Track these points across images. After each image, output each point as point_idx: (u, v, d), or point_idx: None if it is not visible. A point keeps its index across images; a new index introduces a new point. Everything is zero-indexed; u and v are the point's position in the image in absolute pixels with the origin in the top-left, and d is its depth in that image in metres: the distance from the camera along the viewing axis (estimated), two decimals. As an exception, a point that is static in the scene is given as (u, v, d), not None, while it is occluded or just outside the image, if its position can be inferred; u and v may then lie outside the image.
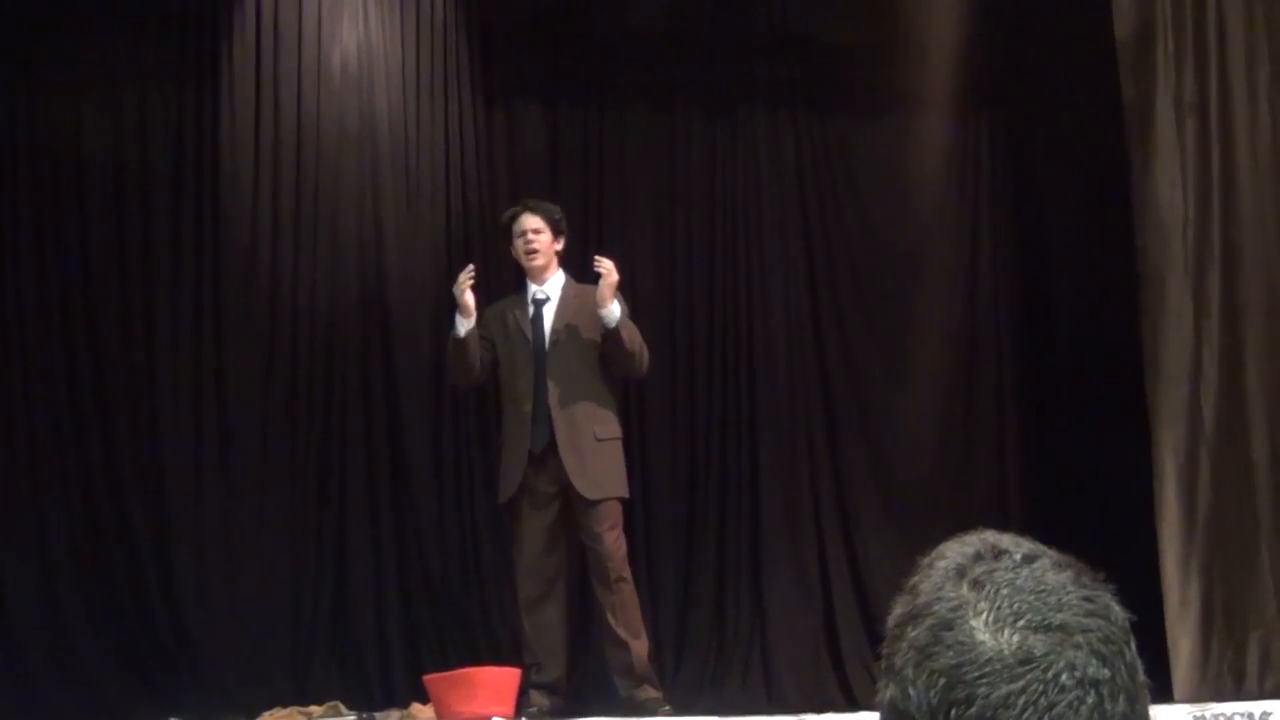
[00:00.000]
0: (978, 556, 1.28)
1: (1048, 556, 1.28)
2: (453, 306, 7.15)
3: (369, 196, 8.38)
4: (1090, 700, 1.20)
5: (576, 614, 7.49)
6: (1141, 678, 1.25)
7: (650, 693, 7.00)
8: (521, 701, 6.91)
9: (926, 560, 1.32)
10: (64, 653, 7.75)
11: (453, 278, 8.33)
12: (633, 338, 7.06)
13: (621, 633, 7.02)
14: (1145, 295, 7.72)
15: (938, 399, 8.84)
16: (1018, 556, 1.28)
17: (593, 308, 7.04)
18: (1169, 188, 7.63)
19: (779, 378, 8.70)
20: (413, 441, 8.27)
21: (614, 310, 7.00)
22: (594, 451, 7.04)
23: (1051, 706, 1.19)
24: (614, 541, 7.05)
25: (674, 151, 8.76)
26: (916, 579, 1.30)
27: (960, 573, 1.27)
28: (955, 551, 1.30)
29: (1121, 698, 1.21)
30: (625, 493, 7.19)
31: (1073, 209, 8.87)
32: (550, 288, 7.21)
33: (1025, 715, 1.19)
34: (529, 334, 7.14)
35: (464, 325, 7.08)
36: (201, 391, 8.12)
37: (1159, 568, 7.47)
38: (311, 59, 8.37)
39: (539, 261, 7.19)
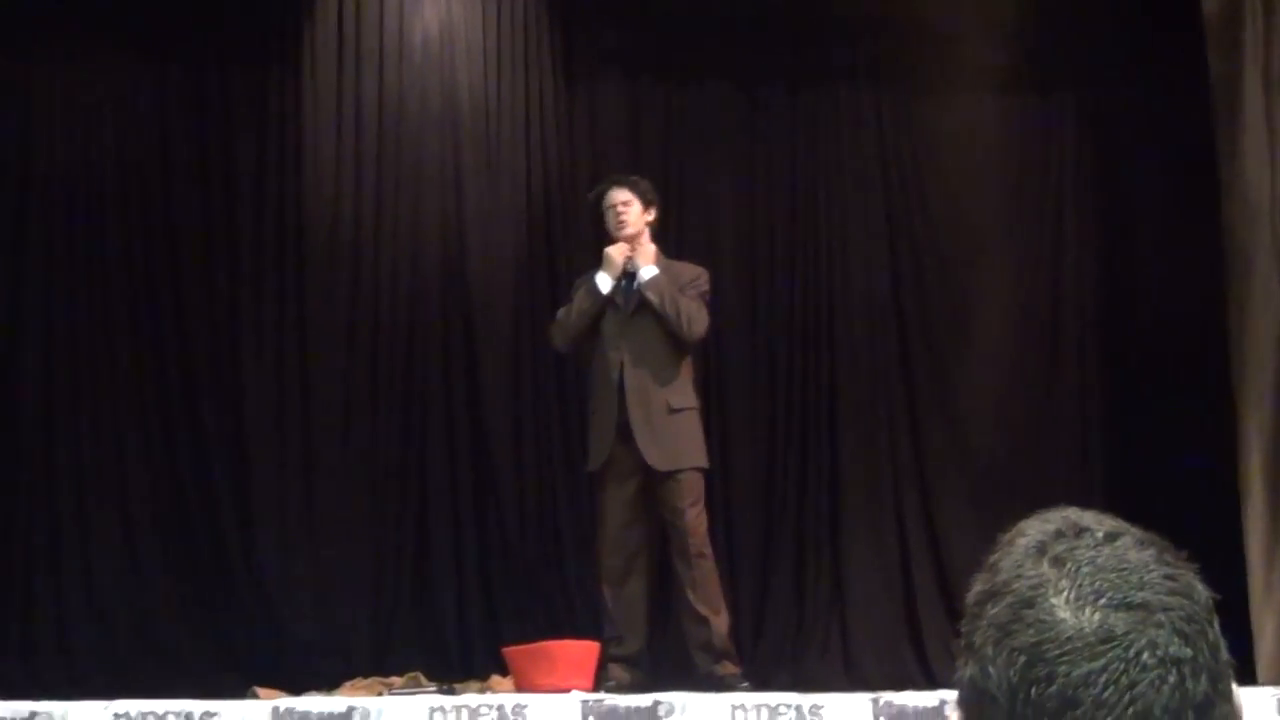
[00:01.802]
0: (1059, 534, 1.28)
1: (1130, 534, 1.28)
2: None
3: (450, 173, 8.41)
4: (1172, 679, 1.20)
5: (658, 588, 7.50)
6: (1225, 657, 1.24)
7: (729, 668, 7.01)
8: (600, 675, 6.93)
9: (1007, 537, 1.31)
10: (148, 623, 7.84)
11: (533, 254, 8.41)
12: (664, 299, 7.05)
13: (701, 608, 7.03)
14: (1231, 275, 7.64)
15: (1019, 377, 8.79)
16: (1099, 534, 1.27)
17: (677, 279, 7.11)
18: (1256, 166, 7.55)
19: (859, 355, 8.68)
20: (493, 414, 8.30)
21: (646, 271, 7.09)
22: (666, 423, 7.04)
23: (1133, 685, 1.19)
24: (694, 516, 7.05)
25: (754, 128, 8.74)
26: (997, 556, 1.30)
27: (1041, 550, 1.27)
28: (1036, 529, 1.30)
29: (1204, 677, 1.21)
30: (702, 462, 7.16)
31: (1157, 187, 8.79)
32: (641, 259, 7.20)
33: (1106, 694, 1.19)
34: (620, 303, 7.15)
35: (608, 282, 7.12)
36: (285, 366, 8.19)
37: (1243, 549, 7.41)
38: (393, 36, 8.40)
39: (628, 232, 7.20)
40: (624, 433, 7.02)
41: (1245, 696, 1.32)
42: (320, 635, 7.91)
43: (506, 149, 8.48)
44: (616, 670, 6.95)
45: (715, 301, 7.41)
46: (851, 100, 8.85)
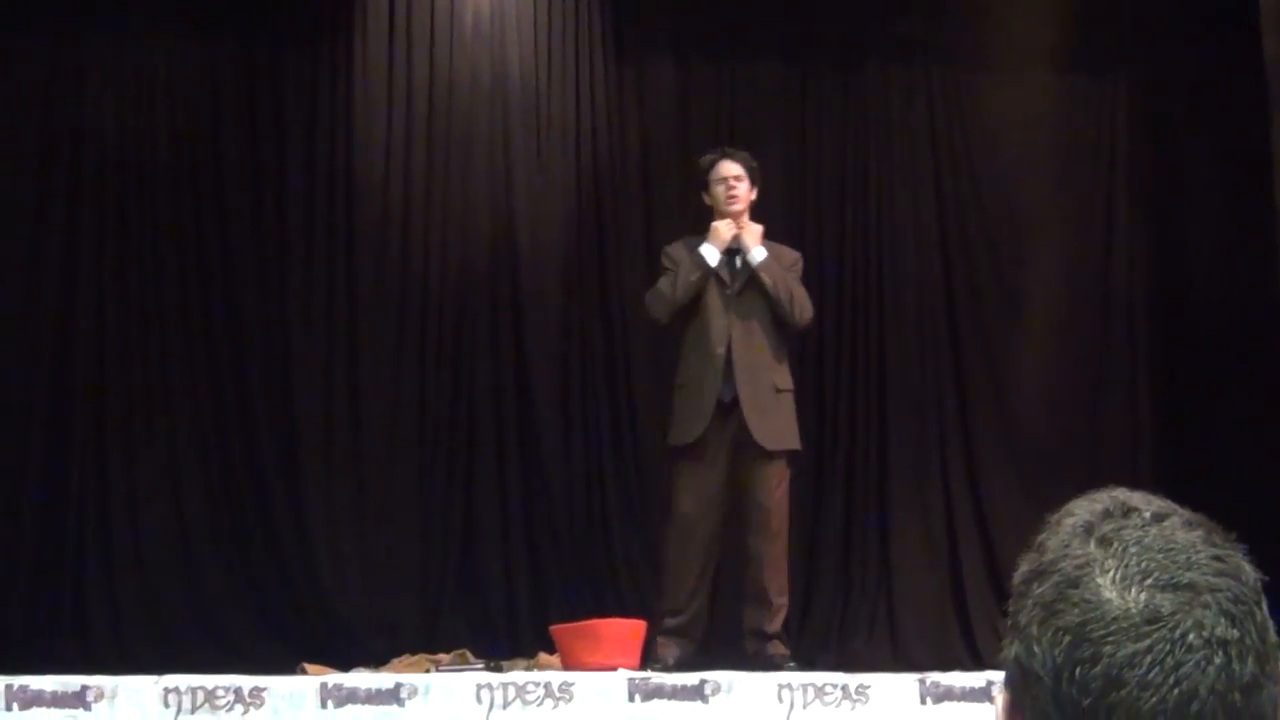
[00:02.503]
0: (1106, 514, 1.27)
1: (1178, 515, 1.27)
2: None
3: (500, 151, 8.41)
4: (1218, 660, 1.19)
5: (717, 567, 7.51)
6: (1273, 638, 1.23)
7: (779, 649, 7.01)
8: (649, 651, 6.93)
9: (1055, 517, 1.30)
10: (197, 600, 7.89)
11: (583, 231, 8.40)
12: (776, 281, 7.05)
13: (771, 592, 7.04)
14: (1284, 255, 7.58)
15: (1069, 358, 8.76)
16: (1147, 514, 1.26)
17: (779, 261, 7.12)
18: (1310, 146, 7.49)
19: (908, 334, 8.66)
20: (541, 393, 8.31)
21: (758, 253, 7.07)
22: (774, 403, 7.05)
23: (1178, 666, 1.18)
24: (781, 496, 7.08)
25: (805, 107, 8.72)
26: (1044, 536, 1.29)
27: (1088, 530, 1.26)
28: (1084, 509, 1.29)
29: (1250, 659, 1.20)
30: (799, 445, 7.21)
31: (1209, 169, 8.73)
32: (748, 238, 7.15)
33: (1151, 675, 1.18)
34: (726, 278, 7.11)
35: (715, 255, 7.09)
36: (334, 344, 8.21)
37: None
38: (444, 15, 8.41)
39: (738, 208, 7.16)
40: (723, 409, 6.99)
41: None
42: (368, 612, 7.94)
43: (556, 127, 8.48)
44: (666, 645, 6.93)
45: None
46: (902, 79, 8.81)
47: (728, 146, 7.42)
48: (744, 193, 7.17)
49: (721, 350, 7.01)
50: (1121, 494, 1.29)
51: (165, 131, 8.18)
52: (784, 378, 7.12)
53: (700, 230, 7.30)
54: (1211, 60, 8.59)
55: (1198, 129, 8.76)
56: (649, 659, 6.89)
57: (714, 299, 7.09)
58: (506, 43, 8.45)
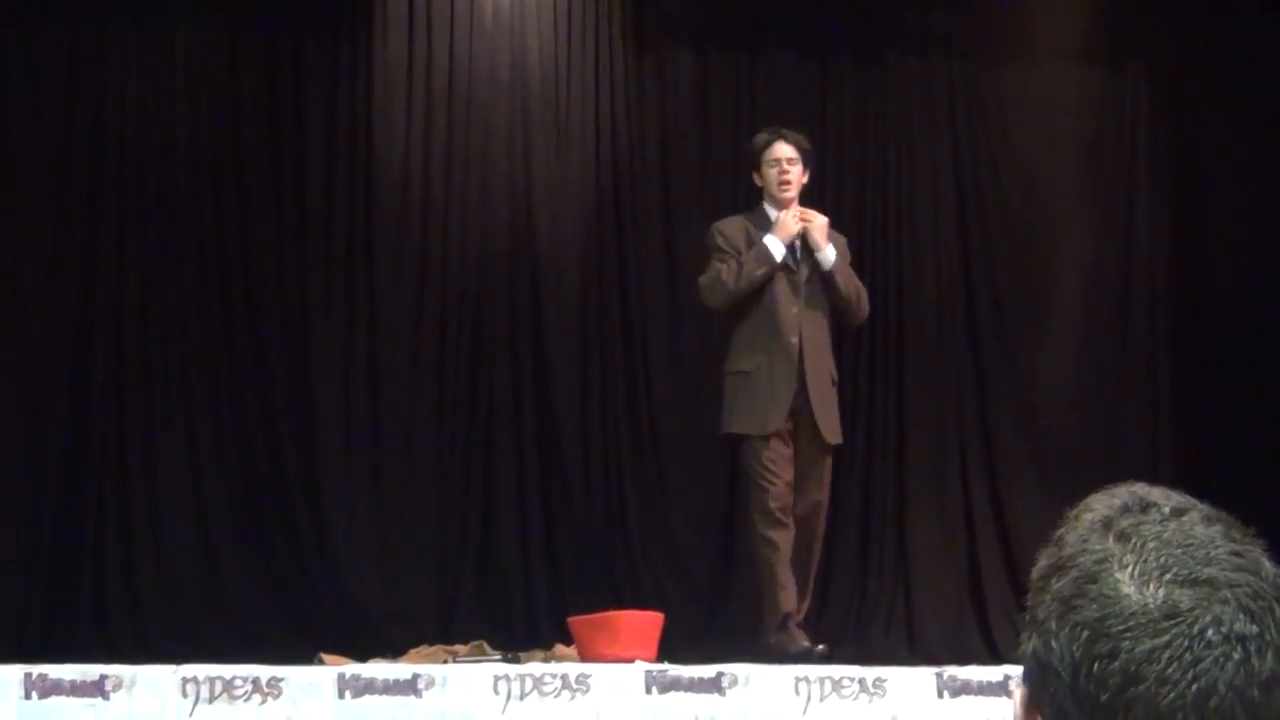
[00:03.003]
0: (1125, 509, 1.27)
1: (1197, 510, 1.26)
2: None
3: (519, 141, 8.41)
4: (1237, 656, 1.18)
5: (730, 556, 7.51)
6: None
7: (801, 639, 6.94)
8: (779, 643, 6.88)
9: (1073, 512, 1.30)
10: (216, 588, 7.91)
11: (602, 223, 8.40)
12: (848, 282, 7.05)
13: (806, 584, 7.04)
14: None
15: (1089, 351, 8.74)
16: (1166, 509, 1.26)
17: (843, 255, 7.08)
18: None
19: (928, 327, 8.64)
20: (559, 384, 8.31)
21: (830, 253, 7.01)
22: (830, 395, 7.05)
23: (1197, 662, 1.18)
24: (827, 490, 7.10)
25: (825, 99, 8.70)
26: (1062, 531, 1.29)
27: (1107, 525, 1.26)
28: (1103, 504, 1.28)
29: (1270, 654, 1.19)
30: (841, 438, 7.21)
31: (1230, 159, 8.70)
32: (817, 234, 7.06)
33: (1169, 670, 1.18)
34: (793, 264, 7.03)
35: (781, 250, 6.99)
36: (353, 334, 8.22)
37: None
38: (464, 4, 8.41)
39: (791, 193, 7.06)
40: (797, 400, 6.95)
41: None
42: (386, 603, 7.96)
43: (576, 118, 8.48)
44: (799, 636, 6.89)
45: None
46: (922, 70, 8.79)
47: (784, 127, 7.25)
48: (797, 177, 7.06)
49: (795, 340, 6.94)
50: (1140, 489, 1.29)
51: (185, 123, 8.18)
52: (834, 369, 7.12)
53: (752, 208, 7.22)
54: (1233, 51, 8.56)
55: (1219, 119, 8.73)
56: (789, 649, 6.83)
57: (782, 287, 7.00)
58: (526, 33, 8.44)
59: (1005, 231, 8.80)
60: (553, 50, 8.47)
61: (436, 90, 8.39)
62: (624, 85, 8.55)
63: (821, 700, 6.24)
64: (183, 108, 8.19)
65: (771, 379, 6.95)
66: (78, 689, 5.83)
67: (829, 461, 7.08)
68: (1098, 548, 1.24)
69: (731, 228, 7.11)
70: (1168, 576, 1.21)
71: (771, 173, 7.06)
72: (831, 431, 7.01)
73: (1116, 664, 1.19)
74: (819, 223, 7.02)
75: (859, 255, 8.60)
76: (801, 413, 6.94)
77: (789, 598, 6.92)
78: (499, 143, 8.41)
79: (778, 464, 6.93)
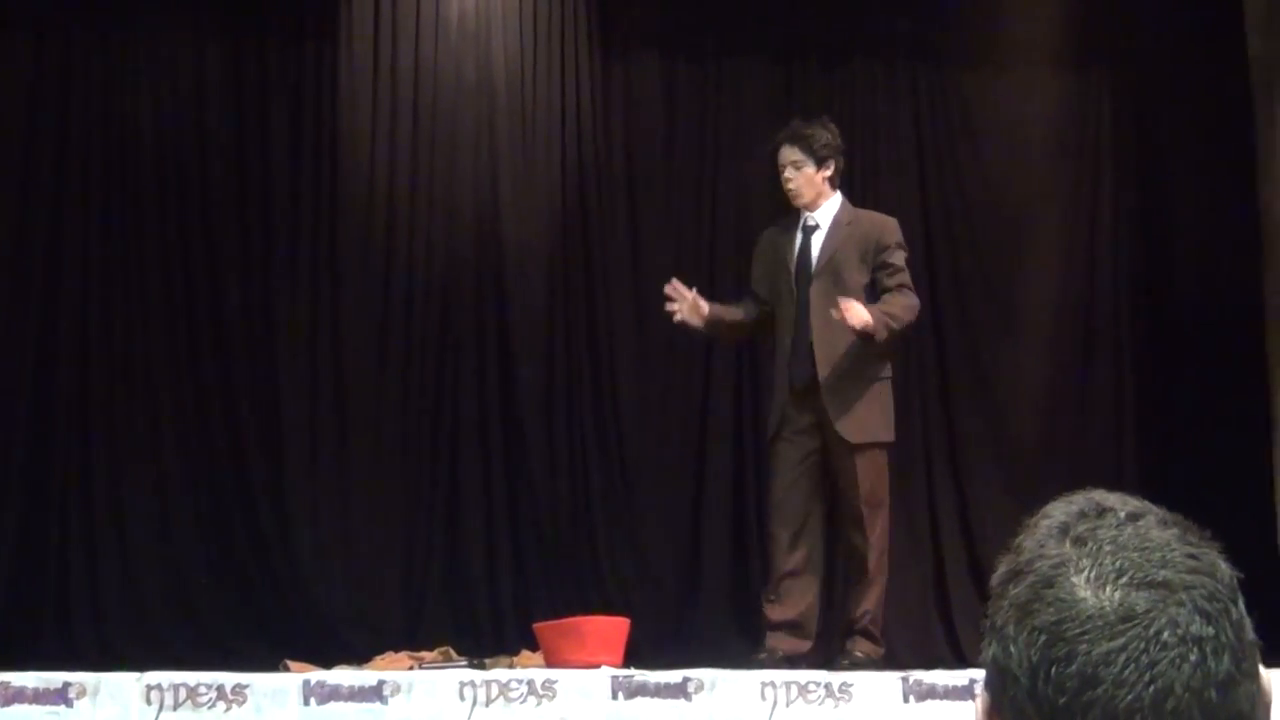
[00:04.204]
0: (1082, 514, 1.27)
1: (1153, 514, 1.27)
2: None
3: (485, 147, 8.41)
4: (1193, 658, 1.19)
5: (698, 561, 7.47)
6: (1250, 636, 1.23)
7: (779, 645, 6.88)
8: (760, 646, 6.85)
9: (1032, 520, 1.31)
10: (180, 595, 7.88)
11: (568, 228, 8.40)
12: (893, 325, 6.61)
13: (859, 589, 6.95)
14: (1269, 255, 7.60)
15: (1053, 355, 8.77)
16: (1122, 514, 1.27)
17: (866, 236, 6.73)
18: (1294, 146, 7.51)
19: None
20: (525, 391, 8.31)
21: (864, 323, 6.52)
22: (860, 391, 6.71)
23: (1153, 664, 1.18)
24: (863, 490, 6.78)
25: (790, 104, 8.70)
26: (1021, 537, 1.30)
27: (1063, 530, 1.26)
28: (1060, 510, 1.29)
29: (1226, 656, 1.20)
30: (890, 436, 6.88)
31: (1194, 166, 8.74)
32: (822, 215, 6.81)
33: (1126, 673, 1.18)
34: (791, 263, 6.81)
35: (698, 323, 6.85)
36: (319, 337, 8.21)
37: (1276, 531, 7.37)
38: (429, 10, 8.41)
39: (801, 202, 6.80)
40: (799, 396, 6.78)
41: (1278, 680, 1.31)
42: (352, 609, 7.94)
43: (541, 124, 8.48)
44: (776, 639, 6.76)
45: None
46: (887, 76, 8.82)
47: (794, 125, 6.96)
48: (803, 181, 6.78)
49: (789, 340, 6.78)
50: (1098, 495, 1.30)
51: (150, 128, 8.16)
52: (876, 366, 6.75)
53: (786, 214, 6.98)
54: (1197, 60, 8.61)
55: (1183, 128, 8.77)
56: (758, 653, 6.74)
57: (784, 285, 6.82)
58: (491, 39, 8.44)
59: (971, 236, 8.83)
60: (518, 56, 8.47)
61: (402, 96, 8.38)
62: (590, 91, 8.55)
63: (788, 705, 6.24)
64: (147, 114, 8.16)
65: (777, 382, 6.89)
66: (40, 696, 5.80)
67: (861, 460, 6.73)
68: (1054, 553, 1.25)
69: (757, 255, 6.98)
70: (1124, 580, 1.22)
71: (781, 182, 6.86)
72: (853, 429, 6.69)
73: (1073, 667, 1.19)
74: (855, 311, 6.52)
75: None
76: (819, 412, 6.70)
77: (773, 607, 6.80)
78: (465, 148, 8.40)
79: (776, 471, 6.85)
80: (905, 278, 6.76)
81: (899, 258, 6.78)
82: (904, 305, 6.71)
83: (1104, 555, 1.23)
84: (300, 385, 8.15)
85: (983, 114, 8.84)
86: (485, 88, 8.42)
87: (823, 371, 6.69)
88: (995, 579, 1.29)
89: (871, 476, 6.80)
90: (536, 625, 7.09)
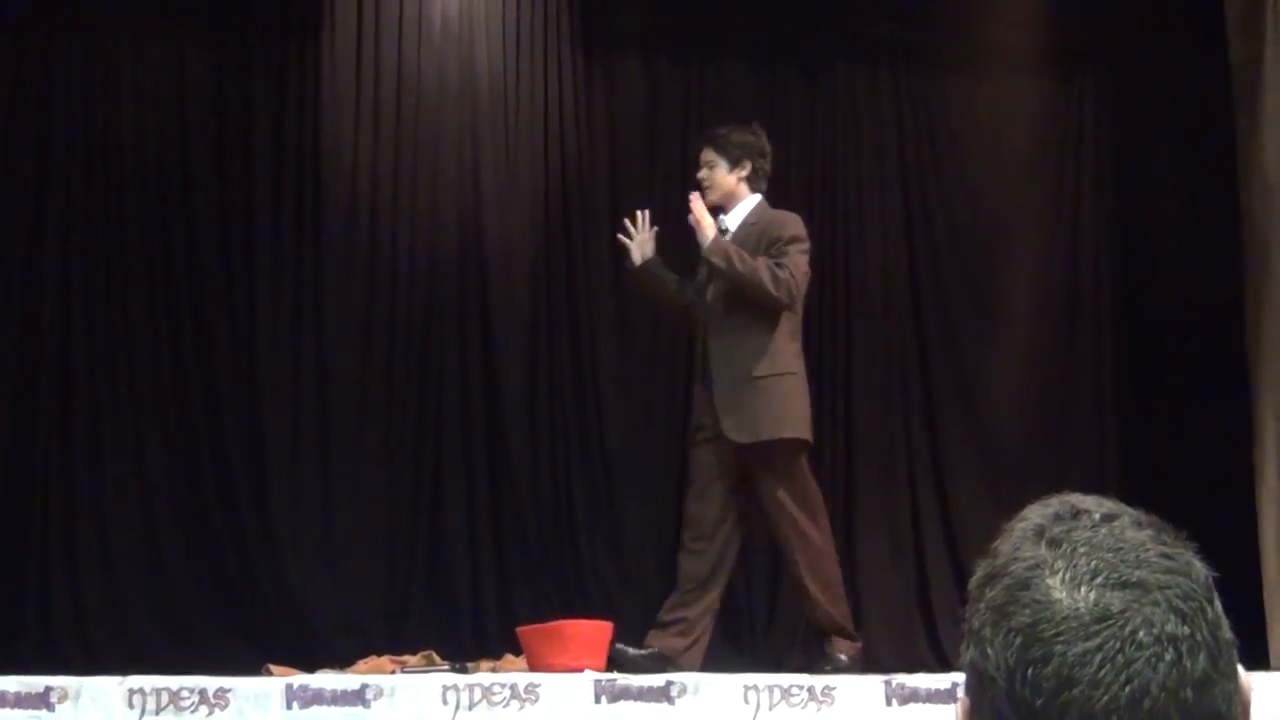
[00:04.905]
0: (1057, 517, 1.28)
1: (1128, 515, 1.28)
2: None
3: (468, 149, 8.41)
4: (1169, 657, 1.19)
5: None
6: (1226, 635, 1.23)
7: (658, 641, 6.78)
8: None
9: (1009, 524, 1.32)
10: (163, 599, 7.87)
11: (551, 233, 8.41)
12: (732, 261, 6.54)
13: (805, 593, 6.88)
14: (1249, 259, 7.63)
15: (1035, 360, 8.79)
16: (1097, 516, 1.27)
17: (764, 234, 6.65)
18: (1275, 152, 7.54)
19: (875, 336, 8.68)
20: (508, 394, 8.31)
21: (704, 238, 6.62)
22: (750, 390, 6.58)
23: (1129, 664, 1.19)
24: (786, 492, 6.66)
25: (773, 108, 8.72)
26: (997, 542, 1.31)
27: (1039, 533, 1.27)
28: (1035, 512, 1.30)
29: (1201, 655, 1.20)
30: (790, 433, 6.63)
31: (1176, 172, 8.77)
32: (734, 216, 6.77)
33: (1102, 673, 1.19)
34: (701, 269, 6.79)
35: (635, 260, 6.87)
36: (301, 342, 8.20)
37: (1257, 534, 7.39)
38: (412, 11, 8.41)
39: (713, 198, 6.77)
40: (703, 397, 6.74)
41: (1258, 682, 1.32)
42: (334, 614, 7.93)
43: (524, 128, 8.48)
44: (656, 637, 6.75)
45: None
46: (870, 81, 8.83)
47: (720, 126, 7.01)
48: (717, 179, 6.76)
49: (699, 343, 6.79)
50: (1073, 497, 1.30)
51: (131, 128, 8.14)
52: (770, 362, 6.60)
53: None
54: (1178, 64, 8.63)
55: (1164, 132, 8.80)
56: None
57: (699, 288, 6.83)
58: (475, 42, 8.45)
59: (952, 241, 8.85)
60: (501, 59, 8.48)
61: (385, 97, 8.38)
62: (573, 94, 8.56)
63: (771, 708, 6.24)
64: (129, 115, 8.15)
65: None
66: (22, 701, 5.78)
67: (759, 458, 6.62)
68: (1029, 555, 1.26)
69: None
70: (1099, 580, 1.22)
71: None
72: (739, 429, 6.56)
73: (1050, 668, 1.20)
74: (705, 221, 6.63)
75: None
76: (715, 412, 6.64)
77: (670, 602, 6.74)
78: (448, 151, 8.40)
79: (692, 472, 6.84)
80: (786, 261, 6.61)
81: (789, 248, 6.64)
82: (764, 264, 6.56)
83: (1079, 556, 1.24)
84: (283, 388, 8.14)
85: (965, 118, 8.86)
86: (468, 90, 8.42)
87: (716, 372, 6.62)
88: (973, 582, 1.30)
89: (768, 475, 6.66)
90: (519, 629, 7.08)
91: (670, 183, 8.38)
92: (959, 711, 1.29)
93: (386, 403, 8.24)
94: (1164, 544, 1.25)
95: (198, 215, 8.17)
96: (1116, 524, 1.26)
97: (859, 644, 6.93)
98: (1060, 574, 1.23)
